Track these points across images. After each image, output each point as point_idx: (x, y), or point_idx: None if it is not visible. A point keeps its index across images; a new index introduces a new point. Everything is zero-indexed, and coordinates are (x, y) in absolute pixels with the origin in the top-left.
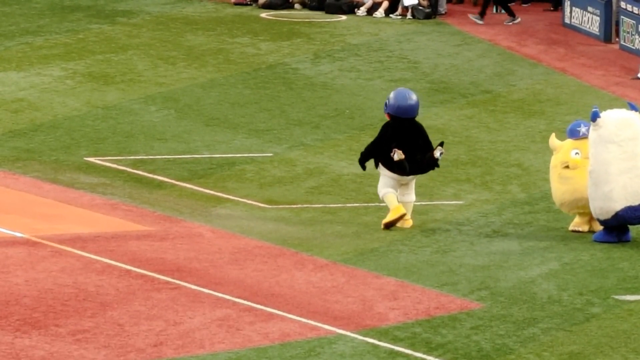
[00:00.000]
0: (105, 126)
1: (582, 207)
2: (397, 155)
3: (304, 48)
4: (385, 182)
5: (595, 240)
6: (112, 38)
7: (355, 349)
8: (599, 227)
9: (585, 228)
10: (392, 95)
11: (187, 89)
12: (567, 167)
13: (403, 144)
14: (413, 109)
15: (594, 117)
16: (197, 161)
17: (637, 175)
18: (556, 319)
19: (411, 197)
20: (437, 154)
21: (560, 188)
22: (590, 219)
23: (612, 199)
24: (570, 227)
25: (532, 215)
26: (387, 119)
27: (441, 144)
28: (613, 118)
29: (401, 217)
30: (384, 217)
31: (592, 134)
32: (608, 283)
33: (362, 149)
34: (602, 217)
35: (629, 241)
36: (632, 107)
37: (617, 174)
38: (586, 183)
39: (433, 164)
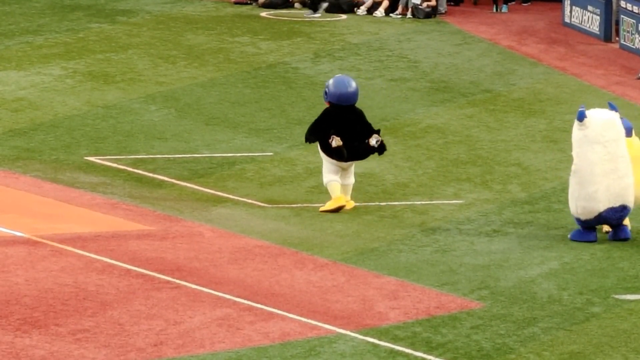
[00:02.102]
0: (106, 125)
1: None
2: (335, 142)
3: (304, 47)
4: (328, 168)
5: (572, 239)
6: (112, 37)
7: (356, 349)
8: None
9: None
10: (331, 83)
11: (187, 88)
12: None
13: (342, 130)
14: (353, 96)
15: (581, 117)
16: (197, 160)
17: (619, 176)
18: (556, 319)
19: (350, 179)
20: (372, 142)
21: None
22: None
23: (597, 199)
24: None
25: (532, 214)
26: (326, 105)
27: (377, 132)
28: (599, 119)
29: (340, 208)
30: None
31: (577, 133)
32: (608, 282)
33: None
34: (583, 217)
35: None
36: (612, 107)
37: (602, 175)
38: None
39: (371, 151)
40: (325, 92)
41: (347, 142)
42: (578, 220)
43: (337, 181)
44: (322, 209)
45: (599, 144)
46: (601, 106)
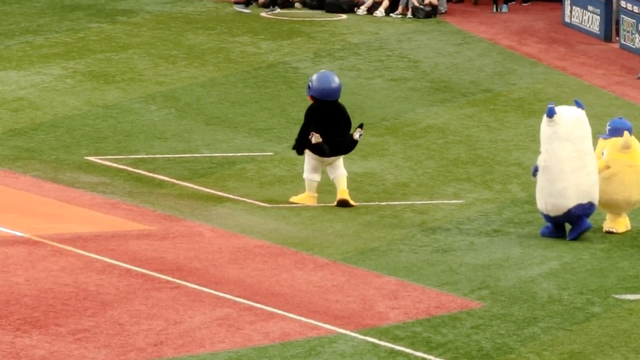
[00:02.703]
0: (106, 125)
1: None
2: (315, 138)
3: (304, 47)
4: (310, 164)
5: (543, 235)
6: (113, 37)
7: (356, 349)
8: (619, 226)
9: (620, 229)
10: (315, 78)
11: (187, 88)
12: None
13: (325, 126)
14: (336, 92)
15: (550, 113)
16: (197, 160)
17: (587, 173)
18: (556, 318)
19: (341, 171)
20: (356, 135)
21: None
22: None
23: (566, 196)
24: (605, 229)
25: (532, 214)
26: (310, 101)
27: (360, 126)
28: (568, 116)
29: (308, 204)
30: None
31: (547, 130)
32: (608, 282)
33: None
34: (552, 214)
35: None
36: (579, 105)
37: (571, 171)
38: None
39: (353, 145)
40: (309, 87)
41: (330, 138)
42: (547, 217)
43: (316, 180)
44: (293, 198)
45: (568, 141)
46: (602, 106)
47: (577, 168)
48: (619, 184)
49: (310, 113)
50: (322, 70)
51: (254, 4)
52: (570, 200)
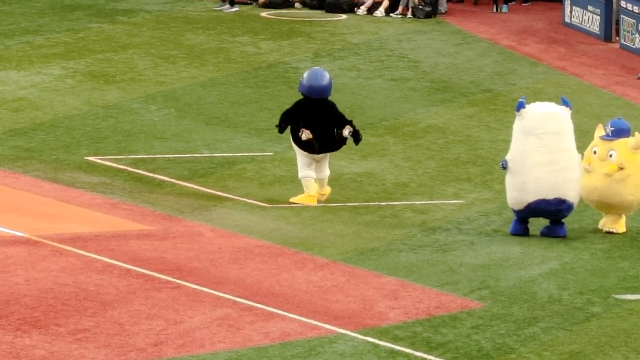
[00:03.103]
0: (106, 125)
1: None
2: (305, 135)
3: (304, 47)
4: (302, 161)
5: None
6: (113, 37)
7: (356, 349)
8: (620, 227)
9: (620, 230)
10: (305, 74)
11: (187, 88)
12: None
13: (314, 123)
14: (324, 90)
15: (519, 107)
16: (197, 160)
17: (555, 169)
18: (556, 318)
19: (325, 172)
20: (345, 132)
21: None
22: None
23: (525, 190)
24: (605, 229)
25: None
26: (302, 96)
27: (350, 122)
28: (537, 111)
29: (308, 204)
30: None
31: (515, 123)
32: (608, 282)
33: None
34: (515, 207)
35: (563, 236)
36: (564, 102)
37: (533, 166)
38: (595, 184)
39: (344, 141)
40: (300, 83)
41: (319, 134)
42: (513, 211)
43: (312, 177)
44: (292, 199)
45: (533, 135)
46: (602, 106)
47: (542, 163)
48: (634, 185)
49: (296, 106)
50: (314, 67)
51: (254, 4)
52: (528, 195)
